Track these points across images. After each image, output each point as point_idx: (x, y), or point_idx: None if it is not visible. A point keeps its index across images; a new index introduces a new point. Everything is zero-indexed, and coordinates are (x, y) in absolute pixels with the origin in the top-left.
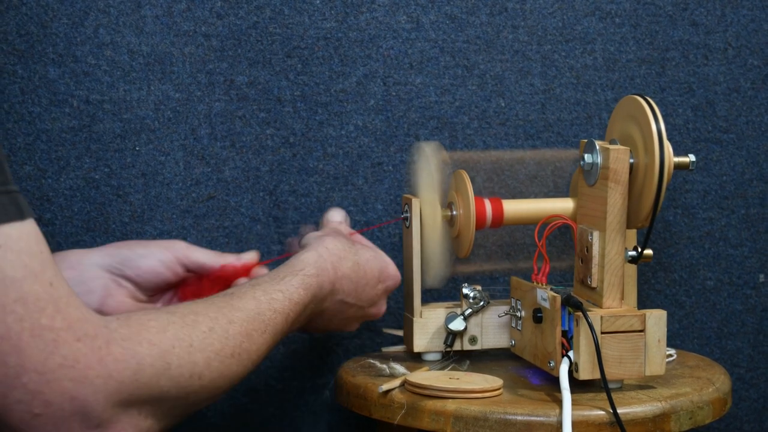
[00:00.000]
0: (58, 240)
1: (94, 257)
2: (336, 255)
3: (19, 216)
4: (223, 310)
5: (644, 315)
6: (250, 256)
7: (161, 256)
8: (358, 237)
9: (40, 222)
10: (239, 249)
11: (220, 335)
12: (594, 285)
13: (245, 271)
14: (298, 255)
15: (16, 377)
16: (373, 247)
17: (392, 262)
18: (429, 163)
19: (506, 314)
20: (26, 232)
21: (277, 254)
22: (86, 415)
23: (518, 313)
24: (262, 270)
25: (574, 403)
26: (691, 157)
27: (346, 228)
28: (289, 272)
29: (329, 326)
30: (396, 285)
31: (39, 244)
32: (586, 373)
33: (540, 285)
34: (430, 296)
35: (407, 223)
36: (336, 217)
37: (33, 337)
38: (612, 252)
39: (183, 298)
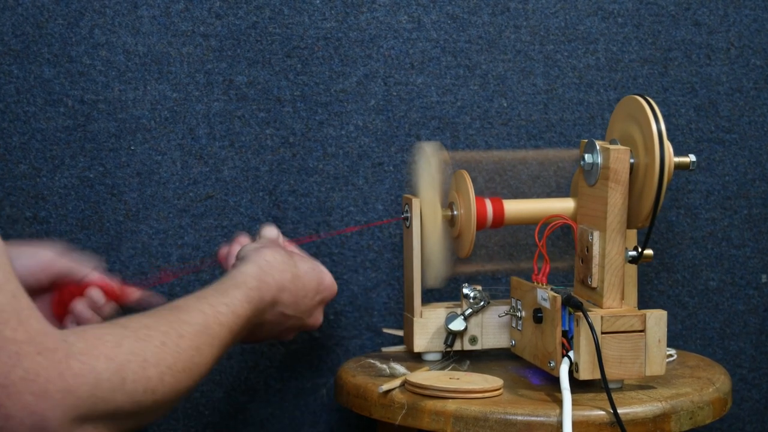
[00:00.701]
0: (53, 238)
1: None
2: (276, 267)
3: None
4: (173, 324)
5: (644, 315)
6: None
7: (27, 261)
8: (294, 248)
9: (35, 220)
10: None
11: (172, 349)
12: (594, 285)
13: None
14: (239, 267)
15: None
16: (310, 258)
17: (329, 272)
18: (430, 163)
19: (506, 314)
20: None
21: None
22: (44, 429)
23: (518, 313)
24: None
25: (574, 403)
26: (692, 157)
27: (281, 239)
28: (232, 285)
29: (267, 336)
30: (332, 296)
31: (1, 254)
32: (586, 373)
33: (540, 285)
34: (431, 296)
35: (408, 223)
36: (271, 234)
37: None
38: (612, 252)
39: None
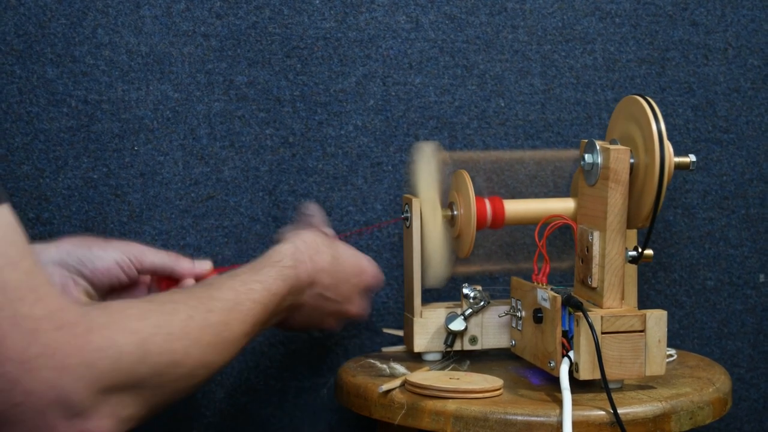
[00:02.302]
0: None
1: (51, 253)
2: (313, 248)
3: None
4: (201, 299)
5: (644, 315)
6: (204, 265)
7: (117, 257)
8: (335, 237)
9: (39, 221)
10: (239, 249)
11: (199, 324)
12: (594, 285)
13: (198, 279)
14: (275, 246)
15: None
16: (351, 246)
17: (372, 260)
18: (429, 163)
19: (506, 314)
20: (3, 219)
21: None
22: (67, 403)
23: (518, 313)
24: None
25: (574, 403)
26: (692, 157)
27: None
28: (267, 263)
29: (308, 322)
30: (376, 283)
31: (16, 231)
32: (586, 373)
33: (540, 285)
34: (431, 296)
35: (407, 223)
36: (311, 210)
37: (13, 326)
38: (612, 252)
39: None
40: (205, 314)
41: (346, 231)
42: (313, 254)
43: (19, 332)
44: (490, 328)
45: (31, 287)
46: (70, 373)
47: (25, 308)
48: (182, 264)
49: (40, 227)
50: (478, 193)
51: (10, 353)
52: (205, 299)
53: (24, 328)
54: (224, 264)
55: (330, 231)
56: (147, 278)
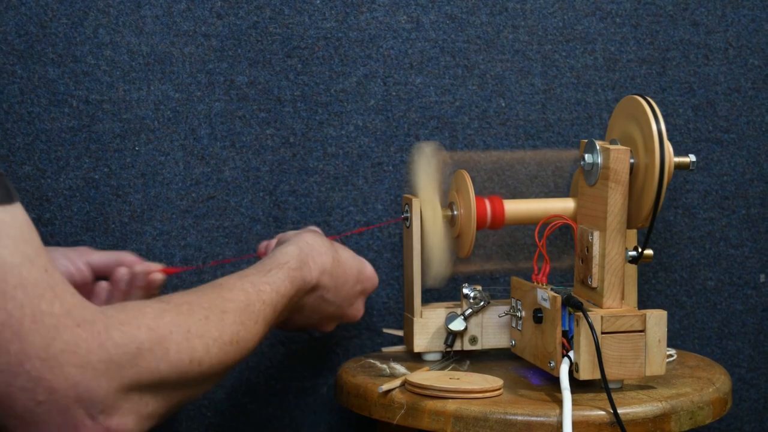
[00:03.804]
0: (58, 240)
1: None
2: (317, 250)
3: (8, 199)
4: (215, 301)
5: (644, 315)
6: (152, 265)
7: (66, 254)
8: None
9: (40, 222)
10: (239, 249)
11: (216, 323)
12: (594, 285)
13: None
14: (280, 248)
15: (19, 364)
16: (350, 250)
17: (370, 264)
18: (429, 163)
19: (506, 314)
20: (18, 217)
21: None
22: (90, 400)
23: (518, 313)
24: (159, 276)
25: (574, 403)
26: (692, 157)
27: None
28: (275, 265)
29: (306, 323)
30: (373, 287)
31: (30, 229)
32: (586, 373)
33: (540, 285)
34: (431, 296)
35: (407, 223)
36: (313, 228)
37: (34, 323)
38: (612, 252)
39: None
40: (220, 314)
41: (346, 231)
42: (316, 256)
43: (40, 329)
44: (490, 328)
45: (50, 285)
46: (92, 369)
47: (44, 305)
48: (128, 257)
49: (41, 228)
50: (478, 193)
51: (32, 350)
52: (218, 300)
53: (45, 324)
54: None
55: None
56: (104, 284)
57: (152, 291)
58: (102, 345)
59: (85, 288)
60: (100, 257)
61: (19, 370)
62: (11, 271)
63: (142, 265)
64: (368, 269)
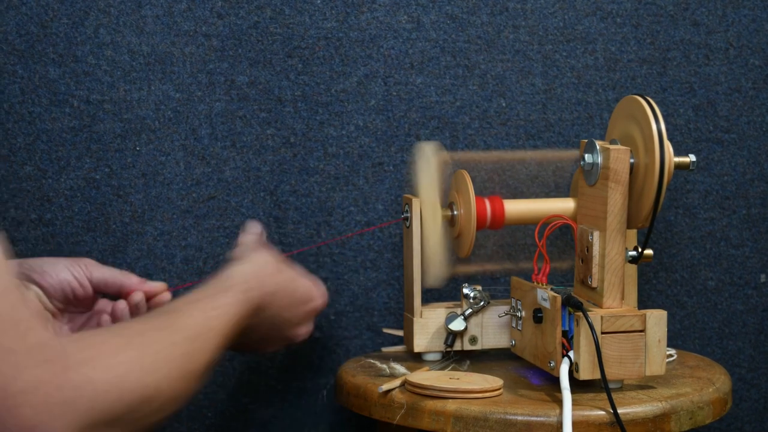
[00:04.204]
0: (59, 240)
1: None
2: (264, 271)
3: None
4: (164, 332)
5: (644, 315)
6: (156, 286)
7: (67, 264)
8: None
9: (41, 222)
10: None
11: (166, 357)
12: (594, 285)
13: (149, 298)
14: (233, 267)
15: None
16: (299, 268)
17: (320, 282)
18: (429, 163)
19: (506, 314)
20: None
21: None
22: None
23: (518, 313)
24: (167, 296)
25: (574, 403)
26: (692, 157)
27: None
28: (221, 287)
29: (254, 345)
30: (323, 306)
31: (3, 262)
32: (586, 373)
33: (540, 285)
34: (431, 296)
35: (407, 223)
36: (255, 230)
37: None
38: (612, 252)
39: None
40: (169, 347)
41: (347, 231)
42: (264, 277)
43: (2, 367)
44: (490, 328)
45: (15, 321)
46: (48, 412)
47: (7, 341)
48: (131, 278)
49: (42, 228)
50: (478, 193)
51: None
52: (168, 331)
53: (8, 362)
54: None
55: (257, 227)
56: (105, 305)
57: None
58: (60, 387)
59: (86, 302)
60: (103, 274)
61: None
62: None
63: (146, 286)
64: (318, 289)
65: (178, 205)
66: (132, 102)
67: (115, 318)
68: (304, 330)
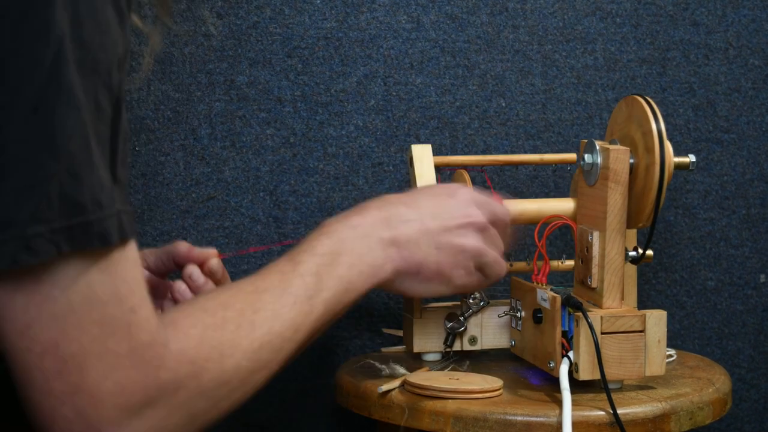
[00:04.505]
0: None
1: None
2: (368, 204)
3: (122, 236)
4: (249, 297)
5: (644, 315)
6: (205, 252)
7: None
8: None
9: None
10: (239, 249)
11: (246, 330)
12: (594, 285)
13: (202, 265)
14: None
15: (70, 395)
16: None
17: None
18: (428, 164)
19: (506, 314)
20: (125, 256)
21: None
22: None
23: (518, 314)
24: (215, 261)
25: (574, 403)
26: (692, 157)
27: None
28: (314, 236)
29: (439, 266)
30: (505, 217)
31: (134, 268)
32: (586, 373)
33: (540, 285)
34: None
35: None
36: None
37: (98, 360)
38: (612, 252)
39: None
40: (251, 316)
41: None
42: (370, 204)
43: (100, 366)
44: (490, 328)
45: (127, 324)
46: (128, 411)
47: (112, 343)
48: (179, 248)
49: None
50: None
51: (86, 385)
52: (252, 296)
53: (106, 363)
54: (270, 256)
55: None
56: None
57: (215, 278)
58: (146, 388)
59: (155, 293)
60: (157, 258)
61: (68, 400)
62: (96, 306)
63: (195, 252)
64: (486, 197)
65: (178, 205)
66: (131, 102)
67: (176, 299)
68: (471, 242)
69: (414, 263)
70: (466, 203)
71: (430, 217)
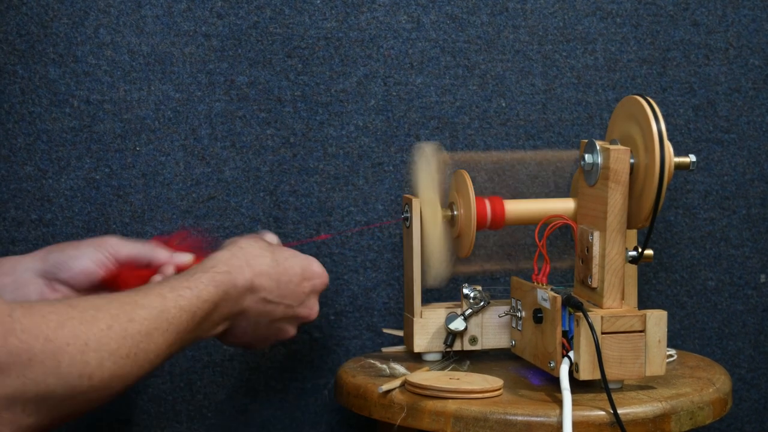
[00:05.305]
0: (59, 241)
1: (27, 263)
2: (251, 253)
3: None
4: (125, 307)
5: (644, 315)
6: (184, 257)
7: (93, 255)
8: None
9: (41, 223)
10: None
11: (117, 334)
12: (594, 285)
13: (179, 270)
14: (216, 253)
15: None
16: (294, 251)
17: (317, 261)
18: (429, 163)
19: (506, 314)
20: None
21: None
22: None
23: (518, 314)
24: None
25: (574, 403)
26: (692, 157)
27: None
28: (200, 269)
29: (258, 331)
30: (324, 284)
31: None
32: (586, 373)
33: (540, 285)
34: (431, 296)
35: (407, 223)
36: (271, 239)
37: None
38: (612, 252)
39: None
40: (125, 324)
41: (346, 231)
42: (250, 259)
43: None
44: (490, 328)
45: None
46: None
47: None
48: (160, 253)
49: (42, 228)
50: (479, 194)
51: None
52: (129, 307)
53: None
54: None
55: (273, 238)
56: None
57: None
58: None
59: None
60: (130, 251)
61: None
62: None
63: (175, 258)
64: (315, 266)
65: (178, 205)
66: (132, 102)
67: None
68: (308, 308)
69: (245, 326)
70: (308, 295)
71: (276, 296)
